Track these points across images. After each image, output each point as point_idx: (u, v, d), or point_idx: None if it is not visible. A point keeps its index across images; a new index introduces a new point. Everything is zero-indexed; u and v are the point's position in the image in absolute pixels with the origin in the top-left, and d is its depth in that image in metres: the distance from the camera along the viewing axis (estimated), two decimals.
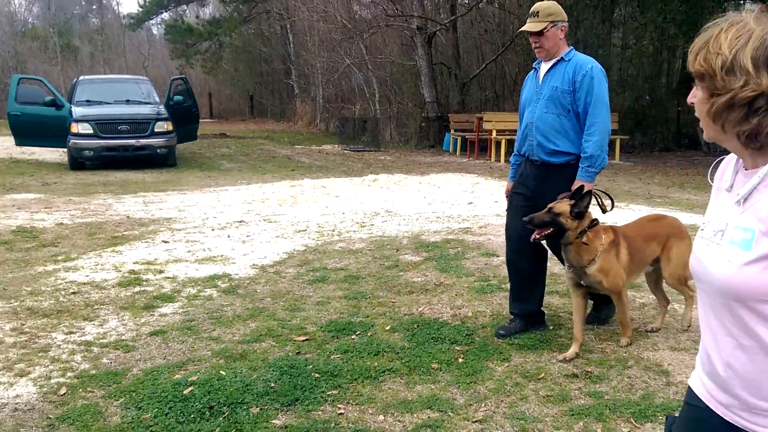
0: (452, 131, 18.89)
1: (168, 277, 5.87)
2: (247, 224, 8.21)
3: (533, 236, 3.96)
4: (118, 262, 6.37)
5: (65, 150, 14.78)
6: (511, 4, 21.35)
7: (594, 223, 3.96)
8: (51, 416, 3.37)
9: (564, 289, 5.18)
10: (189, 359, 4.07)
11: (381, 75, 23.19)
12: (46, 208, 9.40)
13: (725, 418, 1.48)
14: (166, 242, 7.24)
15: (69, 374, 3.87)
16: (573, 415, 3.34)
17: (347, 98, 26.06)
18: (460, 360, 4.04)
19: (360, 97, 24.64)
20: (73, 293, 5.40)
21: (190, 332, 4.52)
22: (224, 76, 37.14)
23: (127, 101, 15.55)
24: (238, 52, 35.85)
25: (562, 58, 4.23)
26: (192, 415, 3.35)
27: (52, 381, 3.78)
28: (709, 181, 1.62)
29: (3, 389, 3.68)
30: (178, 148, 15.87)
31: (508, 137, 15.62)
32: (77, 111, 14.49)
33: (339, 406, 3.49)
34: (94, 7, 58.27)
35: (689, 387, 1.62)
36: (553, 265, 5.06)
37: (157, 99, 16.12)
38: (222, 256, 6.64)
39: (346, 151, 18.90)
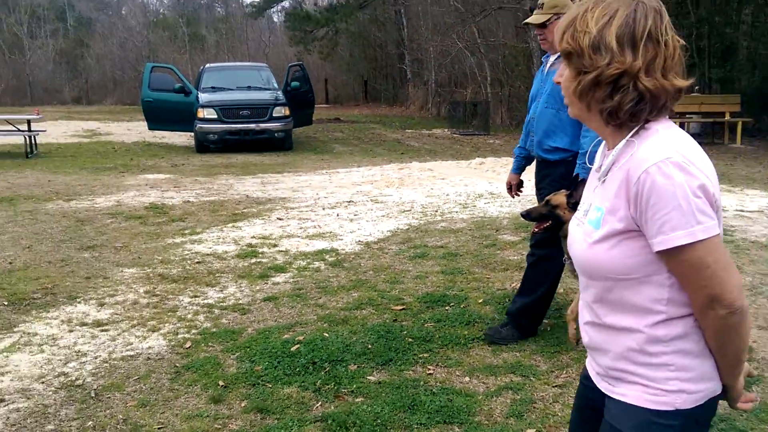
0: None
1: (281, 251, 6.36)
2: (355, 204, 8.64)
3: (533, 229, 3.96)
4: (238, 237, 6.95)
5: (192, 134, 15.81)
6: None
7: None
8: (177, 365, 3.88)
9: None
10: (297, 322, 4.50)
11: (493, 58, 23.15)
12: (175, 187, 10.22)
13: (599, 386, 1.58)
14: (280, 219, 7.78)
15: (193, 331, 4.39)
16: None
17: (459, 82, 26.17)
18: (547, 330, 4.25)
19: (471, 80, 24.69)
20: (197, 263, 5.99)
21: (299, 299, 4.96)
22: (340, 62, 37.98)
23: (249, 87, 16.39)
24: (354, 38, 36.56)
25: None
26: (297, 369, 3.76)
27: (179, 336, 4.31)
28: (587, 164, 1.68)
29: (138, 341, 4.23)
30: (295, 132, 16.59)
31: None
32: (203, 97, 15.47)
33: (429, 367, 3.80)
34: None
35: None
36: None
37: (276, 85, 16.88)
38: (330, 232, 7.09)
39: (455, 135, 19.09)
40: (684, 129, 1.88)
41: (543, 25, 4.02)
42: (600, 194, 1.49)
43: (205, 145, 15.40)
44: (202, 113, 15.06)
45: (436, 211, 8.14)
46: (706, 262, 1.35)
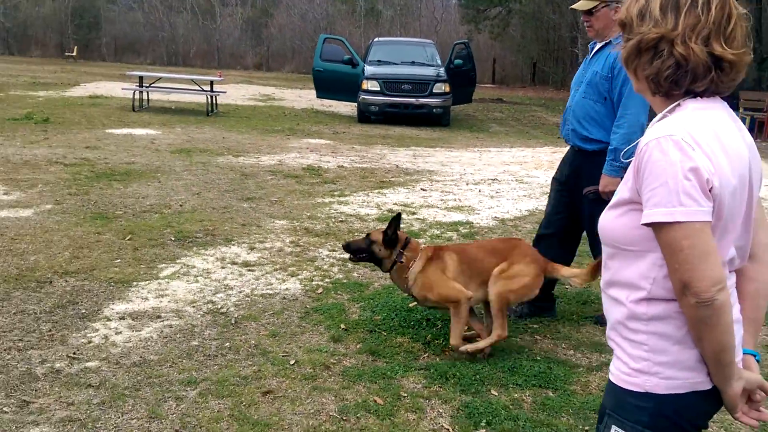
0: (741, 109, 17.52)
1: (419, 218, 6.68)
2: (499, 182, 8.79)
3: (349, 257, 3.88)
4: (381, 202, 7.35)
5: (355, 104, 16.49)
6: None
7: (407, 242, 3.75)
8: (308, 306, 4.31)
9: None
10: None
11: None
12: (332, 152, 10.84)
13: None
14: (423, 190, 8.10)
15: (326, 280, 4.82)
16: None
17: None
18: None
19: None
20: (340, 221, 6.45)
21: None
22: (510, 42, 37.59)
23: (413, 63, 16.77)
24: (527, 18, 36.00)
25: (610, 41, 3.90)
26: (412, 323, 4.07)
27: (313, 283, 4.75)
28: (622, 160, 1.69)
29: (277, 283, 4.72)
30: (453, 109, 16.82)
31: None
32: (368, 69, 16.06)
33: (536, 337, 3.98)
34: None
35: None
36: None
37: (440, 62, 17.13)
38: (469, 206, 7.31)
39: None
40: None
41: (590, 12, 3.88)
42: None
43: (366, 116, 16.00)
44: (366, 85, 15.66)
45: None
46: (680, 246, 1.34)
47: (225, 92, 17.83)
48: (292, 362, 3.52)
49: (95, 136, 11.00)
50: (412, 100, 15.47)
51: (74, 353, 3.45)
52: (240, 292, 4.51)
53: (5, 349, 3.43)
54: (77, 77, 25.54)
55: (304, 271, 4.99)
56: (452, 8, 46.31)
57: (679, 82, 1.42)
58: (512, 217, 6.93)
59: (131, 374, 3.29)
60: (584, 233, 4.32)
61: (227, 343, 3.70)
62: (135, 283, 4.51)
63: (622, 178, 1.54)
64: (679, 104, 1.45)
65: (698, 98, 1.45)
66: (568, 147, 4.31)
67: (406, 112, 15.66)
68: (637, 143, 1.45)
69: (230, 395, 3.14)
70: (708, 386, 1.45)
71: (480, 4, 33.66)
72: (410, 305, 4.21)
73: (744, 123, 17.06)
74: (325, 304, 4.34)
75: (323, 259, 5.30)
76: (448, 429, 2.99)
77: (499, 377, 3.45)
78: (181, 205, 6.71)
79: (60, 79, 23.39)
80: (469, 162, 10.50)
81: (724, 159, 1.39)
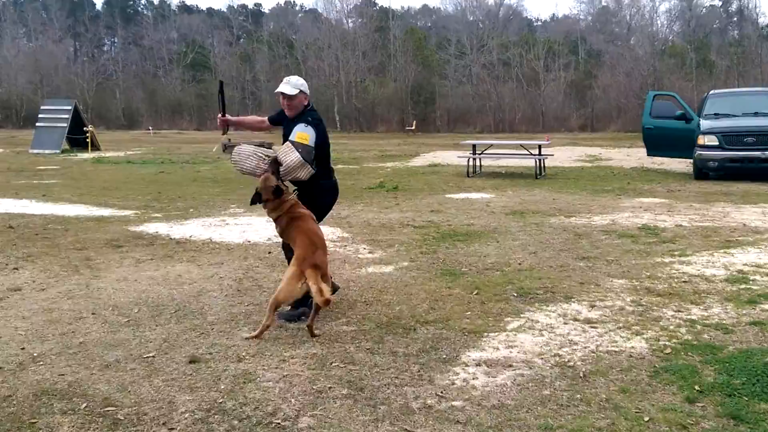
0: None
1: None
2: None
3: None
4: (728, 262, 6.91)
5: (691, 161, 15.66)
6: None
7: None
8: (656, 365, 4.26)
9: None
10: None
11: None
12: (668, 211, 10.45)
13: None
14: None
15: (674, 340, 4.70)
16: None
17: None
18: None
19: None
20: (684, 282, 6.22)
21: None
22: None
23: (755, 114, 15.45)
24: None
25: None
26: None
27: (660, 342, 4.67)
28: None
29: (622, 341, 4.74)
30: None
31: None
32: (704, 124, 15.21)
33: None
34: (735, 19, 57.62)
35: None
36: None
37: None
38: None
39: None
40: None
41: None
42: None
43: (703, 172, 15.12)
44: (703, 140, 14.84)
45: None
46: None
47: (552, 155, 18.20)
48: (646, 419, 3.52)
49: (437, 201, 12.03)
50: (758, 153, 14.23)
51: (441, 392, 3.86)
52: (585, 347, 4.62)
53: (385, 385, 3.98)
54: (417, 148, 28.08)
55: (649, 331, 4.92)
56: None
57: None
58: None
59: (492, 415, 3.59)
60: None
61: (578, 395, 3.83)
62: (486, 334, 4.87)
63: None
64: None
65: None
66: None
67: (751, 166, 14.47)
68: None
69: None
70: None
71: None
72: None
73: None
74: (675, 365, 4.25)
75: (668, 319, 5.17)
76: None
77: None
78: (519, 264, 7.05)
79: (403, 151, 25.95)
80: None
81: None
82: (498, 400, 3.77)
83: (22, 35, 77.77)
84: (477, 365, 4.29)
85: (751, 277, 6.29)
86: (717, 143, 14.64)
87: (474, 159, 17.08)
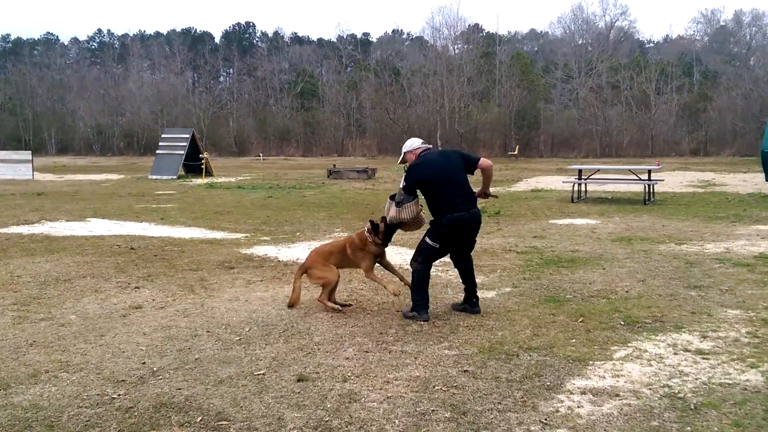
0: None
1: None
2: None
3: None
4: None
5: None
6: None
7: None
8: None
9: None
10: None
11: None
12: None
13: None
14: None
15: None
16: None
17: None
18: None
19: None
20: None
21: None
22: None
23: None
24: None
25: None
26: None
27: None
28: None
29: (736, 373, 4.55)
30: None
31: None
32: None
33: None
34: None
35: None
36: None
37: None
38: None
39: None
40: None
41: None
42: None
43: None
44: None
45: None
46: None
47: (662, 180, 17.62)
48: None
49: (540, 227, 11.89)
50: None
51: (545, 419, 3.84)
52: (696, 378, 4.47)
53: (488, 410, 3.99)
54: (519, 173, 27.81)
55: (766, 364, 4.70)
56: None
57: None
58: None
59: None
60: None
61: (688, 428, 3.71)
62: (591, 362, 4.80)
63: None
64: None
65: None
66: None
67: None
68: None
69: None
70: None
71: None
72: None
73: None
74: None
75: None
76: None
77: None
78: (626, 291, 6.88)
79: (505, 176, 25.76)
80: None
81: None
82: (604, 430, 3.71)
83: (146, 68, 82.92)
84: (582, 393, 4.23)
85: None
86: None
87: (579, 184, 16.76)
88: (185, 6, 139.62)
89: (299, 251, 9.63)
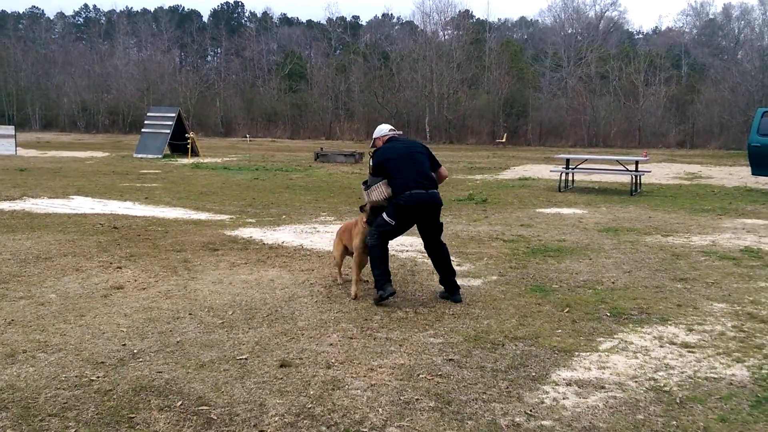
0: None
1: None
2: None
3: None
4: None
5: None
6: None
7: None
8: (758, 395, 4.05)
9: None
10: None
11: None
12: None
13: None
14: None
15: None
16: None
17: None
18: None
19: None
20: None
21: None
22: None
23: None
24: None
25: None
26: None
27: (763, 371, 4.45)
28: None
29: (722, 367, 4.53)
30: None
31: None
32: None
33: None
34: None
35: None
36: None
37: None
38: None
39: None
40: None
41: None
42: None
43: None
44: None
45: None
46: None
47: (649, 171, 17.65)
48: None
49: (527, 215, 11.87)
50: None
51: (530, 411, 3.80)
52: (682, 372, 4.45)
53: (473, 399, 3.95)
54: (506, 161, 27.80)
55: (751, 358, 4.69)
56: None
57: None
58: None
59: None
60: None
61: (674, 422, 3.69)
62: (576, 353, 4.77)
63: None
64: None
65: None
66: None
67: None
68: None
69: None
70: None
71: None
72: None
73: None
74: None
75: None
76: None
77: None
78: (613, 282, 6.86)
79: (492, 164, 25.74)
80: None
81: None
82: (589, 422, 3.67)
83: (132, 45, 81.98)
84: (567, 385, 4.20)
85: None
86: None
87: (567, 173, 16.75)
88: None
89: (284, 234, 9.54)
